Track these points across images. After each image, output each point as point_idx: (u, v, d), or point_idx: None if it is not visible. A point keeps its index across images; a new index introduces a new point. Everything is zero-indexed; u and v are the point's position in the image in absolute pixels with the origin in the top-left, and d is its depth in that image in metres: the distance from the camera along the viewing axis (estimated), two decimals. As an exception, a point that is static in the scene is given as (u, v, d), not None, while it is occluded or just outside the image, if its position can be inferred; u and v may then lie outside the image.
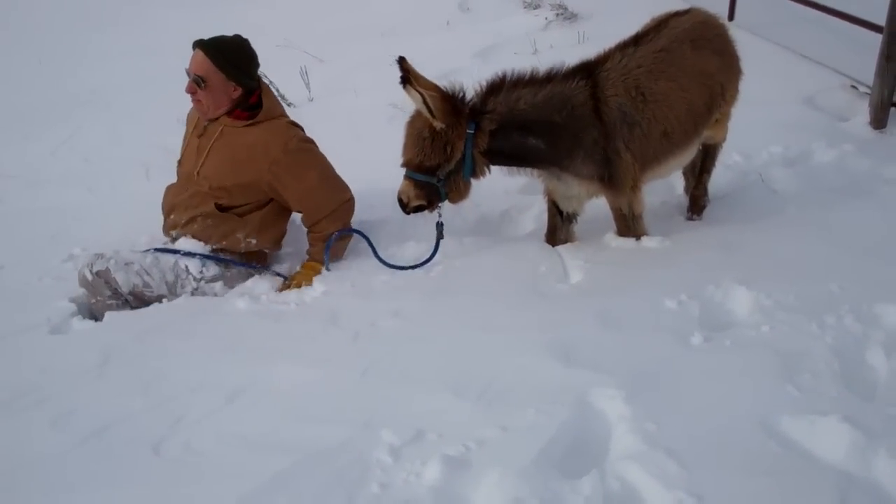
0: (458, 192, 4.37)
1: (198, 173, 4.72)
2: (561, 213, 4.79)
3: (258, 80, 4.85)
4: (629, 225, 4.66)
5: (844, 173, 5.58)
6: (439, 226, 4.64)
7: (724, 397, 3.21)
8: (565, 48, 7.82)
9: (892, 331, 3.64)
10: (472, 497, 2.82)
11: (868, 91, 6.79)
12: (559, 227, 4.84)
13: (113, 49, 10.59)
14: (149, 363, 3.87)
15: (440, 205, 4.49)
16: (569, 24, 9.51)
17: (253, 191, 4.73)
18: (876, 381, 3.36)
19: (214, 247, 4.74)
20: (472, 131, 4.15)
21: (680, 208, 5.28)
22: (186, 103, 7.76)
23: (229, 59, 4.62)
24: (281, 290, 4.64)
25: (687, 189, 5.34)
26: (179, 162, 4.97)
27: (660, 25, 4.56)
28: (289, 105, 8.08)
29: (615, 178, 4.40)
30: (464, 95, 4.23)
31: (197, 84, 4.61)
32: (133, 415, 3.45)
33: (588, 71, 4.34)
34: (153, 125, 7.75)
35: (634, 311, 3.91)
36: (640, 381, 3.31)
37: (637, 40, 4.47)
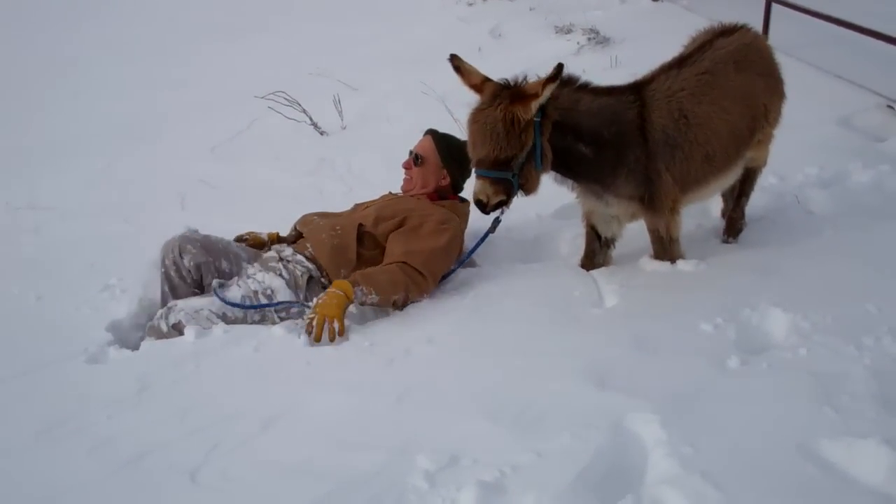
0: (532, 182, 4.25)
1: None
2: (599, 237, 4.79)
3: (463, 197, 5.22)
4: (666, 248, 4.64)
5: (881, 194, 5.53)
6: (497, 221, 4.71)
7: (760, 420, 3.18)
8: (597, 72, 7.81)
9: (930, 351, 3.60)
10: (508, 522, 2.82)
11: (904, 111, 6.75)
12: (597, 252, 4.83)
13: (148, 80, 10.70)
14: (185, 391, 3.89)
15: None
16: (601, 49, 9.53)
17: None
18: (916, 403, 3.31)
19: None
20: (538, 119, 4.09)
21: (715, 231, 5.25)
22: (221, 135, 7.84)
23: (451, 150, 5.04)
24: (308, 324, 4.37)
25: (724, 212, 5.32)
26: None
27: (704, 46, 4.56)
28: (322, 133, 8.13)
29: (655, 199, 4.39)
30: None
31: (414, 161, 5.03)
32: (170, 442, 3.46)
33: (636, 90, 4.34)
34: (188, 156, 7.84)
35: (670, 335, 3.89)
36: (676, 404, 3.29)
37: (681, 62, 4.47)
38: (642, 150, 4.30)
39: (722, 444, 3.06)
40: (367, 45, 11.29)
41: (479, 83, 4.20)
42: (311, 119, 8.23)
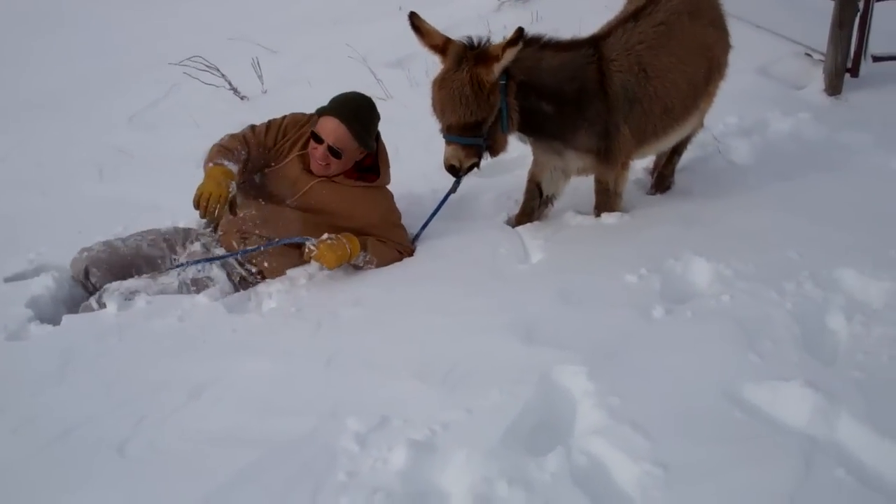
0: (499, 143, 4.25)
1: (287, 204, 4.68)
2: (541, 195, 4.80)
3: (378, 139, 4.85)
4: (609, 200, 4.67)
5: (800, 141, 5.62)
6: (458, 182, 4.61)
7: (686, 368, 3.22)
8: (518, 29, 7.81)
9: (851, 295, 3.68)
10: (440, 480, 2.82)
11: (822, 58, 6.83)
12: (535, 210, 4.85)
13: (63, 50, 10.46)
14: (110, 364, 3.83)
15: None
16: (522, 6, 9.48)
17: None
18: (837, 345, 3.39)
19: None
20: (504, 82, 4.07)
21: (638, 184, 5.28)
22: (139, 103, 7.69)
23: (367, 126, 4.61)
24: (307, 257, 4.41)
25: (655, 167, 5.38)
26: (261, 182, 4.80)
27: None
28: (242, 98, 8.02)
29: (611, 152, 4.41)
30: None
31: (334, 155, 4.55)
32: (96, 417, 3.41)
33: (595, 44, 4.34)
34: (105, 126, 7.69)
35: (595, 288, 3.92)
36: (603, 355, 3.32)
37: (637, 14, 4.45)
38: (602, 104, 4.30)
39: (649, 392, 3.09)
40: (285, 8, 11.14)
41: (441, 44, 4.12)
42: (230, 84, 8.11)
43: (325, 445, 3.03)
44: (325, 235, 4.42)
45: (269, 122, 4.80)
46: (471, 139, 4.11)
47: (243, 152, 4.54)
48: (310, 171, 4.64)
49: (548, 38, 4.30)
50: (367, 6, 10.49)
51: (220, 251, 4.75)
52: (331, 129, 4.49)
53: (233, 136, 4.59)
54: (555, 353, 3.38)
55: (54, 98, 8.80)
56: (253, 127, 4.74)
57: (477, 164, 4.27)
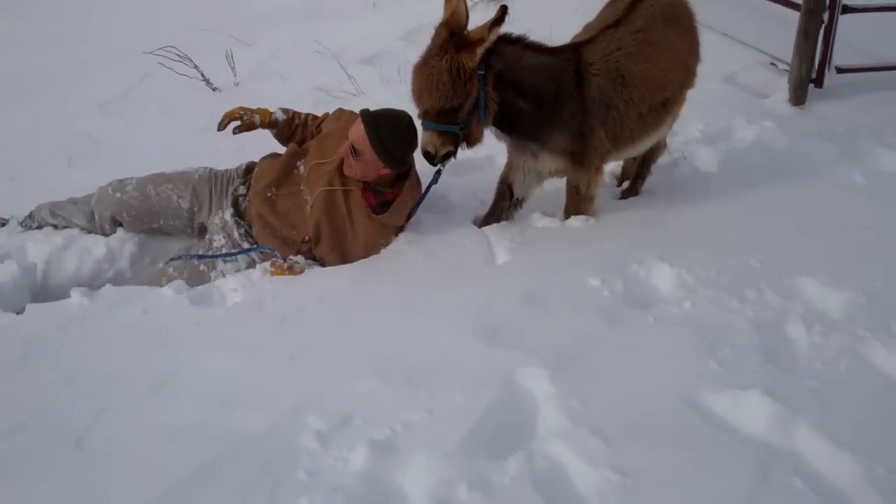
0: (476, 133, 4.27)
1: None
2: (512, 196, 4.82)
3: (411, 164, 4.83)
4: (581, 204, 4.70)
5: (765, 149, 5.68)
6: (438, 173, 4.68)
7: (647, 373, 3.26)
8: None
9: (811, 304, 3.73)
10: (400, 481, 2.83)
11: (787, 68, 6.90)
12: (504, 211, 4.86)
13: (33, 35, 10.35)
14: (71, 355, 3.79)
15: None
16: (494, 5, 9.47)
17: None
18: (796, 354, 3.44)
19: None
20: (482, 72, 4.09)
21: (604, 188, 5.31)
22: (110, 91, 7.62)
23: (384, 140, 4.54)
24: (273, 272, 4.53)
25: (623, 174, 5.49)
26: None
27: (635, 3, 4.57)
28: (214, 90, 7.98)
29: (585, 155, 4.44)
30: None
31: (353, 153, 4.59)
32: (55, 407, 3.38)
33: (576, 50, 4.37)
34: (75, 113, 7.62)
35: (559, 291, 3.95)
36: (565, 359, 3.35)
37: (617, 22, 4.48)
38: (579, 107, 4.33)
39: (610, 397, 3.13)
40: (260, 1, 11.08)
41: (441, 23, 4.15)
42: (202, 75, 8.08)
43: (285, 443, 3.03)
44: (288, 260, 4.57)
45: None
46: (447, 126, 4.15)
47: (302, 115, 5.13)
48: (333, 174, 4.72)
49: (532, 40, 4.34)
50: (342, 2, 10.48)
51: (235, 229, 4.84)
52: (356, 128, 4.59)
53: None
54: (518, 355, 3.40)
55: (24, 83, 8.70)
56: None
57: (453, 153, 4.31)
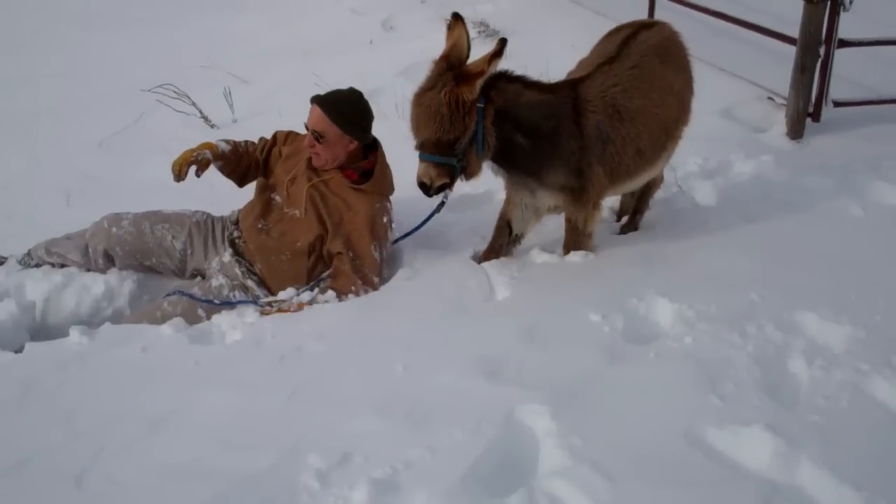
0: (473, 167, 4.29)
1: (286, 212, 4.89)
2: (511, 232, 4.82)
3: (374, 138, 4.97)
4: (579, 240, 4.70)
5: (763, 184, 5.69)
6: (442, 204, 4.72)
7: (648, 409, 3.25)
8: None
9: (812, 338, 3.73)
10: (401, 519, 2.82)
11: (784, 102, 6.94)
12: (503, 247, 4.86)
13: (32, 73, 10.36)
14: (70, 394, 3.78)
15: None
16: (491, 41, 9.53)
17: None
18: (797, 389, 3.43)
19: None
20: (482, 105, 4.11)
21: (603, 223, 5.31)
22: (108, 128, 7.62)
23: (344, 112, 4.73)
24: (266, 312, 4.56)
25: (620, 208, 5.50)
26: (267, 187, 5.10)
27: (628, 40, 4.62)
28: (212, 127, 8.00)
29: (583, 191, 4.45)
30: None
31: (316, 139, 4.73)
32: (54, 447, 3.36)
33: (574, 86, 4.40)
34: (73, 150, 7.61)
35: (559, 326, 3.94)
36: (566, 395, 3.33)
37: (613, 58, 4.51)
38: (577, 143, 4.35)
39: (611, 434, 3.11)
40: (258, 37, 11.12)
41: (441, 56, 4.22)
42: (201, 112, 8.09)
43: (285, 482, 3.01)
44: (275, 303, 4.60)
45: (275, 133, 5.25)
46: (443, 158, 4.15)
47: (242, 143, 5.12)
48: (309, 173, 4.85)
49: (532, 79, 4.38)
50: (339, 39, 10.53)
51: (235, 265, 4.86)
52: (312, 114, 4.76)
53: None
54: (518, 391, 3.39)
55: (22, 120, 8.71)
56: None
57: (449, 185, 4.31)
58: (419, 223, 4.97)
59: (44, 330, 4.76)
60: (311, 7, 12.22)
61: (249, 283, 4.78)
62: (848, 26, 6.82)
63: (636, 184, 4.83)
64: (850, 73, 7.35)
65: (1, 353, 4.31)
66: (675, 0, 8.87)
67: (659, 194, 5.36)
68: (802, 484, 2.87)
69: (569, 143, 4.33)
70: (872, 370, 3.44)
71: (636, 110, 4.43)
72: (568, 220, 4.69)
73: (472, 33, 9.66)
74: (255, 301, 4.67)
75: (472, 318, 4.16)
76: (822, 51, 6.64)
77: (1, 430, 3.53)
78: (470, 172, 4.30)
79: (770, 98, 7.38)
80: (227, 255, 4.88)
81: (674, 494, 2.81)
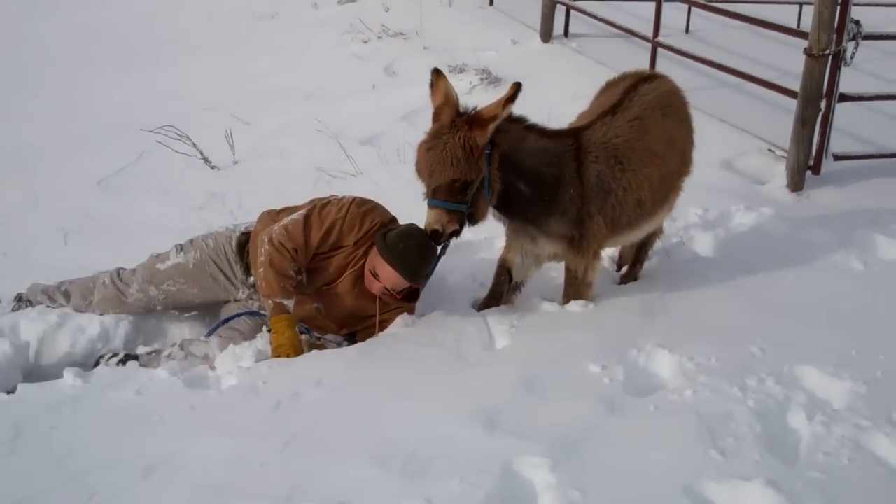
0: (480, 212, 4.29)
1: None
2: (511, 280, 4.81)
3: None
4: (579, 290, 4.69)
5: (763, 235, 5.70)
6: (445, 247, 4.62)
7: (648, 463, 3.22)
8: (489, 112, 7.90)
9: (812, 393, 3.71)
10: (396, 573, 2.77)
11: (784, 155, 6.96)
12: (503, 295, 4.84)
13: (32, 110, 10.38)
14: (62, 437, 3.73)
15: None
16: (493, 89, 9.59)
17: None
18: (798, 444, 3.41)
19: None
20: (488, 151, 4.12)
21: (603, 272, 5.30)
22: (108, 168, 7.61)
23: (424, 276, 4.64)
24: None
25: (620, 258, 5.51)
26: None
27: (630, 91, 4.64)
28: (213, 168, 8.00)
29: (584, 240, 4.46)
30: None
31: (389, 292, 4.59)
32: (45, 492, 3.31)
33: (576, 135, 4.42)
34: (72, 189, 7.60)
35: (559, 377, 3.91)
36: (565, 448, 3.30)
37: (614, 109, 4.53)
38: (577, 192, 4.36)
39: (610, 487, 3.08)
40: (260, 80, 11.17)
41: (439, 106, 4.22)
42: (201, 153, 8.09)
43: (279, 531, 2.97)
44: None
45: (326, 222, 4.62)
46: (455, 204, 4.15)
47: (298, 277, 4.59)
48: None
49: (534, 122, 4.39)
50: (341, 83, 10.57)
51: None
52: (389, 276, 4.47)
53: (283, 255, 4.50)
54: (517, 443, 3.36)
55: (20, 158, 8.71)
56: (307, 222, 4.59)
57: (458, 232, 4.30)
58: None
59: (37, 371, 4.73)
60: (314, 51, 12.29)
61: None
62: (849, 81, 6.86)
63: (637, 234, 4.83)
64: (850, 126, 7.40)
65: (-6, 394, 4.28)
66: (676, 51, 8.92)
67: (659, 244, 5.35)
68: (803, 542, 2.84)
69: (569, 192, 4.34)
70: (873, 426, 3.42)
71: (637, 161, 4.44)
72: (568, 270, 4.68)
73: (475, 81, 9.81)
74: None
75: (471, 366, 4.12)
76: (822, 104, 6.69)
77: (-8, 473, 3.49)
78: (476, 218, 4.31)
79: (770, 150, 7.41)
80: (241, 294, 4.97)
81: (674, 551, 2.78)
